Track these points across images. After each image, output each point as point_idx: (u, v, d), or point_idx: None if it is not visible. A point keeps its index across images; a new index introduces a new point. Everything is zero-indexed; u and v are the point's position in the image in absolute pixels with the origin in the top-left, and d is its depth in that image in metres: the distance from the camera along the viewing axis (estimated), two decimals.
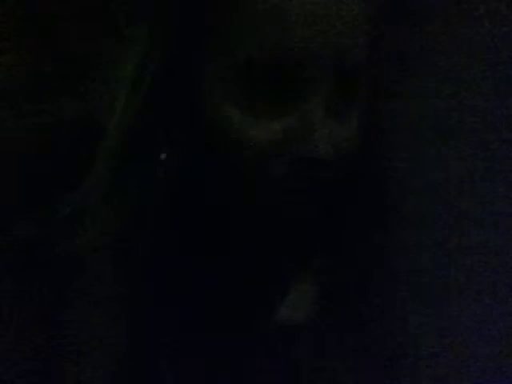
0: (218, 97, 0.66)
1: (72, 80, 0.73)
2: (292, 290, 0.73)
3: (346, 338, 0.73)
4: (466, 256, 0.90)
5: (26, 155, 0.74)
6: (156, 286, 0.70)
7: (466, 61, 0.91)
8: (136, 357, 0.69)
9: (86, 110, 0.72)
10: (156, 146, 0.69)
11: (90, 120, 0.72)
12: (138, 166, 0.69)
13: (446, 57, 0.91)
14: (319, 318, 0.73)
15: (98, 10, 0.78)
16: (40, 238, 0.70)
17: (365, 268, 0.75)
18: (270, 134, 0.65)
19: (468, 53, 0.92)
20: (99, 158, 0.69)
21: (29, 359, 0.68)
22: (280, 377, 0.71)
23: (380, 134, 0.74)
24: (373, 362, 0.74)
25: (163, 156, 0.69)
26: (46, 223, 0.70)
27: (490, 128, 0.95)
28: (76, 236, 0.69)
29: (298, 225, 0.66)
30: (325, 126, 0.65)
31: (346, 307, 0.74)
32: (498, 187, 0.94)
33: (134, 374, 0.69)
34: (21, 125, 0.74)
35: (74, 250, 0.69)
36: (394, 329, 0.75)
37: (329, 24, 0.65)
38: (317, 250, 0.70)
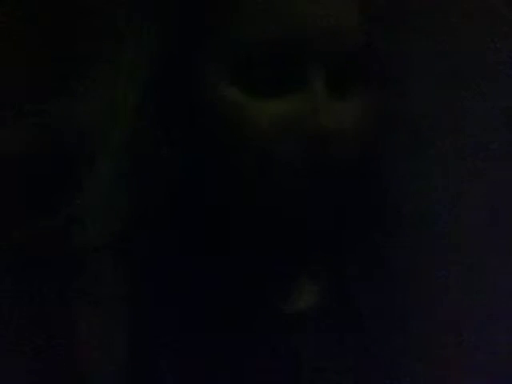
0: (223, 84, 0.67)
1: (71, 80, 0.73)
2: (294, 287, 0.73)
3: (346, 337, 0.73)
4: (467, 255, 0.90)
5: (26, 156, 0.74)
6: (156, 285, 0.70)
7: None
8: (136, 357, 0.68)
9: (85, 110, 0.72)
10: (157, 146, 0.69)
11: (89, 120, 0.72)
12: (138, 165, 0.69)
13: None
14: (320, 316, 0.73)
15: (97, 9, 0.78)
16: (41, 239, 0.70)
17: (365, 265, 0.75)
18: (275, 116, 0.66)
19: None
20: (100, 157, 0.69)
21: (28, 359, 0.68)
22: (280, 376, 0.71)
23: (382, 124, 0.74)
24: (373, 361, 0.74)
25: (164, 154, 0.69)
26: (46, 224, 0.70)
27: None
28: (76, 236, 0.69)
29: (303, 215, 0.67)
30: (331, 105, 0.65)
31: (346, 306, 0.74)
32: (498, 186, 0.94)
33: (134, 374, 0.68)
34: (21, 125, 0.74)
35: (74, 250, 0.69)
36: (394, 328, 0.75)
37: (326, 9, 0.66)
38: (321, 244, 0.71)
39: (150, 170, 0.69)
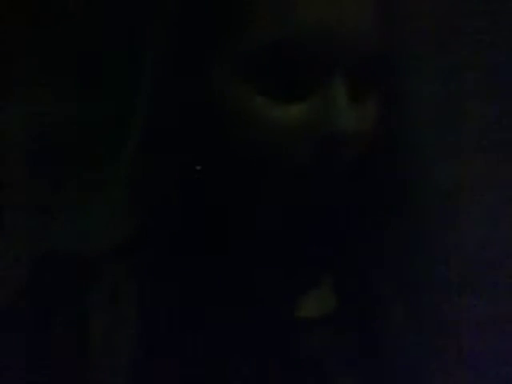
0: (236, 87, 0.66)
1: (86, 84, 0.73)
2: (309, 293, 0.74)
3: (360, 343, 0.73)
4: (467, 256, 0.90)
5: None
6: (165, 291, 0.70)
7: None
8: (141, 362, 0.68)
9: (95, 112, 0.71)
10: (174, 148, 0.69)
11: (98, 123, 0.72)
12: (155, 168, 0.69)
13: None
14: (334, 323, 0.73)
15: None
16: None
17: (381, 269, 0.75)
18: (294, 117, 0.65)
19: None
20: (108, 163, 0.69)
21: (33, 360, 0.68)
22: (288, 378, 0.71)
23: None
24: (375, 362, 0.74)
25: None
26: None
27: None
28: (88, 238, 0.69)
29: (319, 218, 0.67)
30: (347, 107, 0.65)
31: (360, 312, 0.74)
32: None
33: (141, 376, 0.68)
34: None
35: (85, 252, 0.70)
36: (409, 334, 0.75)
37: (342, 12, 0.65)
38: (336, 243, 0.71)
39: (166, 171, 0.69)
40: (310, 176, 0.66)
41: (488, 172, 0.97)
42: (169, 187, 0.69)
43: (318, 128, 0.65)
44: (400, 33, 0.73)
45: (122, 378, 0.67)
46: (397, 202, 0.75)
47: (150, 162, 0.69)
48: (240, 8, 0.66)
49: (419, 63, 0.86)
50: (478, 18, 0.98)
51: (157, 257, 0.70)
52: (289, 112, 0.65)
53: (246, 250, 0.70)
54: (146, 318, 0.69)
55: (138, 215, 0.70)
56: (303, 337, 0.71)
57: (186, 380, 0.67)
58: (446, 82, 0.96)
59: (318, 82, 0.66)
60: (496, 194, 0.96)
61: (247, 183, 0.67)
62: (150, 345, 0.68)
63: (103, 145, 0.71)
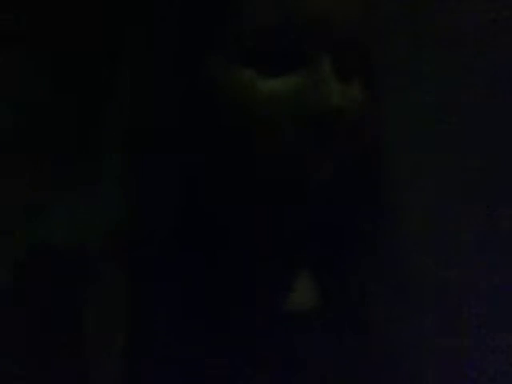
0: (231, 69, 0.68)
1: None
2: (295, 286, 0.73)
3: (346, 337, 0.73)
4: (466, 257, 0.91)
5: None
6: (155, 285, 0.70)
7: None
8: (140, 356, 0.68)
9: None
10: (170, 139, 0.70)
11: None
12: (150, 159, 0.70)
13: None
14: (321, 316, 0.73)
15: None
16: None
17: (368, 263, 0.75)
18: (284, 90, 0.67)
19: None
20: (113, 154, 0.70)
21: (29, 357, 0.68)
22: (280, 376, 0.71)
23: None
24: (374, 362, 0.74)
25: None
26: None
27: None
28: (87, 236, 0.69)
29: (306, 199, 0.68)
30: (333, 82, 0.67)
31: (347, 305, 0.74)
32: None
33: (140, 374, 0.68)
34: None
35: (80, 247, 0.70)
36: (395, 328, 0.75)
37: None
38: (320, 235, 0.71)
39: (165, 167, 0.70)
40: (300, 155, 0.67)
41: (488, 174, 0.97)
42: (165, 178, 0.70)
43: (307, 100, 0.67)
44: (384, 24, 0.75)
45: (119, 376, 0.67)
46: (391, 189, 0.75)
47: (145, 155, 0.70)
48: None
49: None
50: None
51: (152, 252, 0.70)
52: (279, 86, 0.67)
53: (236, 242, 0.71)
54: (142, 315, 0.69)
55: (133, 209, 0.70)
56: (290, 330, 0.71)
57: (184, 378, 0.67)
58: (439, 80, 0.96)
59: (307, 58, 0.68)
60: (496, 195, 0.96)
61: (239, 166, 0.68)
62: (147, 343, 0.68)
63: (97, 138, 0.71)
